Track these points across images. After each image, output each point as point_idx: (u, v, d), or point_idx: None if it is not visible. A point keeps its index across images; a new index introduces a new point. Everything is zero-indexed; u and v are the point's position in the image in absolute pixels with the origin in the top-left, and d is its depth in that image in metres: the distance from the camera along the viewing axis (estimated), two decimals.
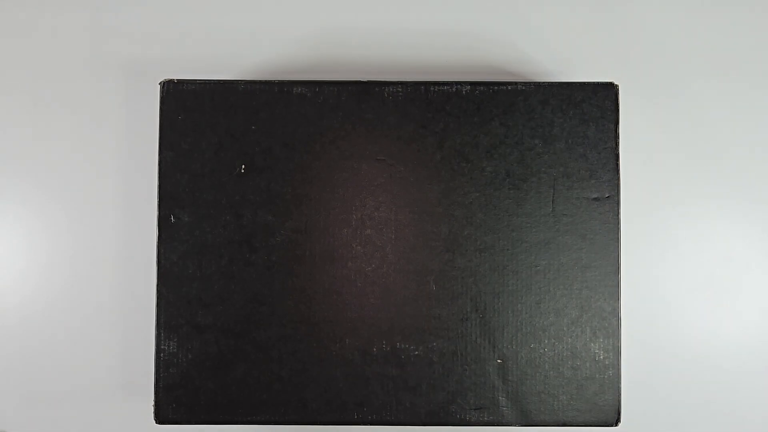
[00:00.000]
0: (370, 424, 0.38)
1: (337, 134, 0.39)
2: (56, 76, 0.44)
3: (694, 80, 0.44)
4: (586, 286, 0.38)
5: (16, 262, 0.43)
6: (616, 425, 0.38)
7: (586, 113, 0.39)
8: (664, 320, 0.44)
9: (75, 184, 0.43)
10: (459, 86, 0.39)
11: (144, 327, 0.42)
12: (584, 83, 0.39)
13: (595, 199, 0.39)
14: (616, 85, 0.39)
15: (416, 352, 0.38)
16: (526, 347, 0.38)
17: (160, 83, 0.39)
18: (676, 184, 0.44)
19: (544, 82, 0.39)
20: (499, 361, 0.38)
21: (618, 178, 0.39)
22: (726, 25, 0.44)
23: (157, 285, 0.38)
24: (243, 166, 0.38)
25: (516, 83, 0.39)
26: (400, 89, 0.39)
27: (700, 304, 0.44)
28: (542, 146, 0.39)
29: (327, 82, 0.39)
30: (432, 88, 0.39)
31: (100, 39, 0.44)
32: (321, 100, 0.39)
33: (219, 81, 0.39)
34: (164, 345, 0.38)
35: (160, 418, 0.38)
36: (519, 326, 0.38)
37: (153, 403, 0.38)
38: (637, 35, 0.44)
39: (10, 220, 0.43)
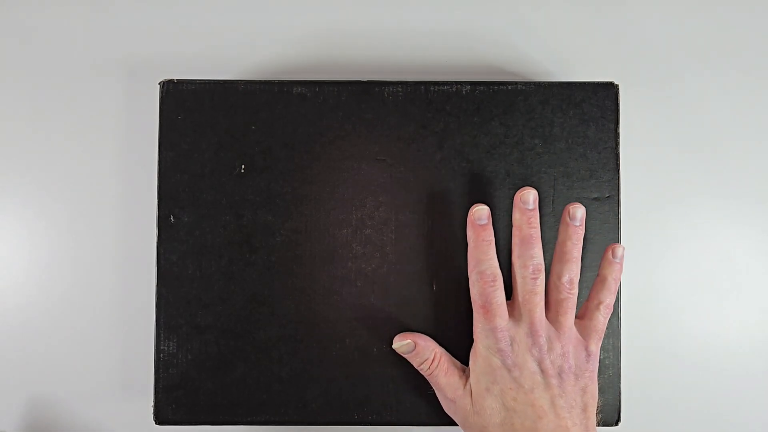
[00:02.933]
0: (370, 425, 0.38)
1: (337, 134, 0.39)
2: (56, 76, 0.44)
3: (694, 80, 0.44)
4: (586, 287, 0.38)
5: (17, 262, 0.43)
6: (616, 425, 0.38)
7: (586, 113, 0.39)
8: (664, 320, 0.44)
9: (75, 184, 0.43)
10: (459, 86, 0.39)
11: (144, 327, 0.42)
12: (584, 83, 0.39)
13: (595, 198, 0.39)
14: (616, 85, 0.39)
15: None
16: None
17: (160, 83, 0.39)
18: (676, 184, 0.44)
19: (544, 82, 0.39)
20: None
21: (618, 178, 0.39)
22: (726, 25, 0.44)
23: (157, 285, 0.38)
24: (243, 166, 0.38)
25: (516, 83, 0.39)
26: (400, 89, 0.39)
27: (700, 303, 0.44)
28: (542, 146, 0.39)
29: (327, 82, 0.39)
30: (432, 88, 0.39)
31: (100, 39, 0.44)
32: (321, 100, 0.39)
33: (219, 81, 0.39)
34: (164, 345, 0.38)
35: (160, 418, 0.38)
36: None
37: (153, 403, 0.38)
38: (637, 35, 0.44)
39: (10, 220, 0.43)
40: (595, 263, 0.38)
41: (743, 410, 0.43)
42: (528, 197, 0.35)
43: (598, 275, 0.36)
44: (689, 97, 0.44)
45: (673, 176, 0.44)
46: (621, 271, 0.36)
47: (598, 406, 0.36)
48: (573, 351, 0.34)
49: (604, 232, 0.38)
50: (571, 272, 0.35)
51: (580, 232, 0.35)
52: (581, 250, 0.35)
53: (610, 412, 0.38)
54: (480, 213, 0.35)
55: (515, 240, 0.35)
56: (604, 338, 0.38)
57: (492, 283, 0.34)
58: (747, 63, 0.44)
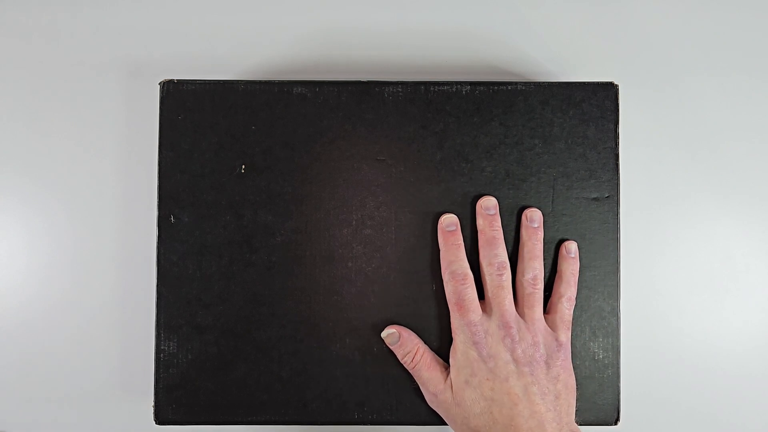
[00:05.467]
0: (370, 424, 0.38)
1: (337, 134, 0.39)
2: (56, 76, 0.44)
3: (694, 80, 0.44)
4: (585, 286, 0.38)
5: (17, 262, 0.43)
6: (616, 424, 0.38)
7: (586, 113, 0.39)
8: (663, 319, 0.44)
9: (75, 184, 0.43)
10: (459, 86, 0.39)
11: (144, 327, 0.42)
12: (584, 83, 0.39)
13: (595, 199, 0.39)
14: (616, 85, 0.39)
15: None
16: None
17: (160, 83, 0.39)
18: (675, 184, 0.44)
19: (544, 82, 0.39)
20: None
21: (617, 178, 0.39)
22: (726, 25, 0.45)
23: (157, 285, 0.38)
24: (243, 166, 0.38)
25: (516, 83, 0.39)
26: (400, 89, 0.39)
27: (699, 303, 0.44)
28: (542, 146, 0.39)
29: (327, 82, 0.39)
30: (432, 88, 0.39)
31: (100, 39, 0.44)
32: (321, 100, 0.39)
33: (219, 81, 0.39)
34: (164, 345, 0.38)
35: (160, 418, 0.38)
36: None
37: (153, 403, 0.38)
38: (636, 35, 0.44)
39: (10, 220, 0.43)
40: (595, 263, 0.38)
41: (743, 410, 0.44)
42: (489, 204, 0.38)
43: (557, 272, 0.38)
44: (689, 97, 0.44)
45: (673, 176, 0.44)
46: (577, 265, 0.38)
47: (576, 399, 0.37)
48: (543, 341, 0.37)
49: (603, 232, 0.39)
50: (534, 269, 0.37)
51: (540, 233, 0.38)
52: (542, 249, 0.38)
53: (610, 411, 0.38)
54: (449, 221, 0.38)
55: (480, 243, 0.38)
56: (604, 338, 0.38)
57: (463, 282, 0.37)
58: (747, 63, 0.44)
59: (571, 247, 0.38)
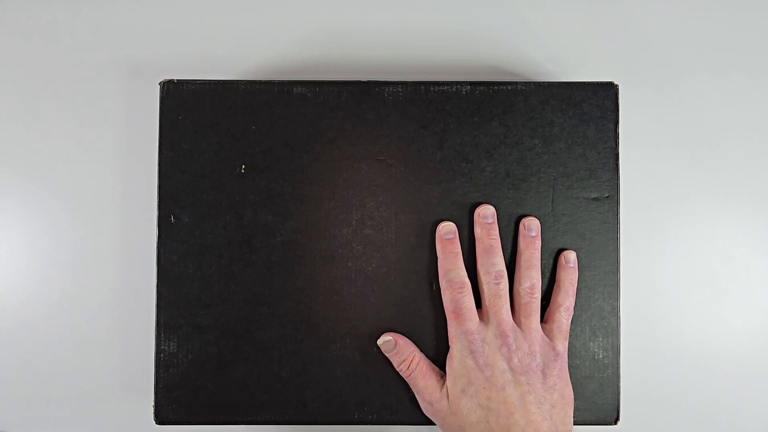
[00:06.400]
0: (370, 424, 0.38)
1: (337, 134, 0.39)
2: (56, 76, 0.44)
3: (694, 80, 0.44)
4: (585, 286, 0.38)
5: (17, 262, 0.43)
6: (615, 424, 0.38)
7: (586, 113, 0.39)
8: (663, 319, 0.44)
9: (75, 184, 0.43)
10: (459, 86, 0.39)
11: (144, 327, 0.42)
12: (584, 83, 0.39)
13: (595, 198, 0.39)
14: (616, 85, 0.39)
15: None
16: None
17: (160, 83, 0.39)
18: (675, 184, 0.44)
19: (544, 82, 0.39)
20: None
21: (617, 178, 0.39)
22: (726, 26, 0.45)
23: (157, 285, 0.38)
24: (243, 166, 0.38)
25: (516, 83, 0.39)
26: (400, 89, 0.39)
27: (699, 303, 0.44)
28: (542, 146, 0.39)
29: (327, 82, 0.39)
30: (432, 88, 0.39)
31: (100, 39, 0.44)
32: (321, 100, 0.39)
33: (219, 81, 0.39)
34: (164, 345, 0.38)
35: (160, 418, 0.38)
36: None
37: (153, 403, 0.38)
38: (637, 35, 0.44)
39: (10, 220, 0.43)
40: (594, 263, 0.38)
41: (743, 410, 0.44)
42: (487, 212, 0.38)
43: (555, 281, 0.38)
44: (689, 97, 0.44)
45: (673, 176, 0.44)
46: (576, 275, 0.38)
47: (576, 402, 0.37)
48: (540, 350, 0.36)
49: (603, 232, 0.39)
50: (532, 279, 0.37)
51: (537, 243, 0.38)
52: (539, 258, 0.38)
53: (609, 411, 0.38)
54: (447, 229, 0.38)
55: (478, 251, 0.38)
56: (604, 337, 0.38)
57: (461, 290, 0.37)
58: (747, 63, 0.44)
59: (570, 257, 0.38)
